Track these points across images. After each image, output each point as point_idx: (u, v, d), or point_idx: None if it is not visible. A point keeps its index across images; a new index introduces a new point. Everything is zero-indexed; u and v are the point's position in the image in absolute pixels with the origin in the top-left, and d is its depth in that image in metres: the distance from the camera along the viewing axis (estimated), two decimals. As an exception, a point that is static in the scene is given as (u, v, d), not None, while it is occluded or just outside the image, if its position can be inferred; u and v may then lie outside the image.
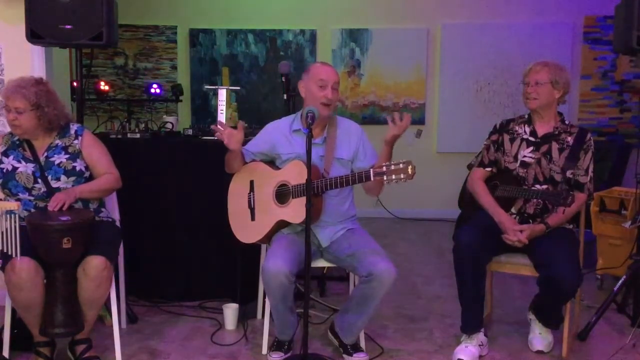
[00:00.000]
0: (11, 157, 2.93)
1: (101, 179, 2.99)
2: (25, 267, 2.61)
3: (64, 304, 2.69)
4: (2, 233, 2.56)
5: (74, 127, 3.03)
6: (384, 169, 2.58)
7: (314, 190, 2.76)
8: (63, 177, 2.91)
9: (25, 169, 2.90)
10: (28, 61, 3.70)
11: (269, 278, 2.74)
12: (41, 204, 2.87)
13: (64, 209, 2.76)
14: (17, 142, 2.96)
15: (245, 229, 3.07)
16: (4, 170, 2.91)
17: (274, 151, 3.04)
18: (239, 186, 3.11)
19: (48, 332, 2.71)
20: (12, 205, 2.57)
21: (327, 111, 2.91)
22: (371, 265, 2.76)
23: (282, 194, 2.93)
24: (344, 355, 3.00)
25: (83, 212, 2.85)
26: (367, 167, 2.74)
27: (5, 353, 2.88)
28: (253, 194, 3.04)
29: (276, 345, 3.04)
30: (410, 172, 2.53)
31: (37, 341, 2.81)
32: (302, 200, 2.74)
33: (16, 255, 2.57)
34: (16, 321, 2.89)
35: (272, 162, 3.08)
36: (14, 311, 2.84)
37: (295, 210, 2.86)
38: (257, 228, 3.01)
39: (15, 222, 2.55)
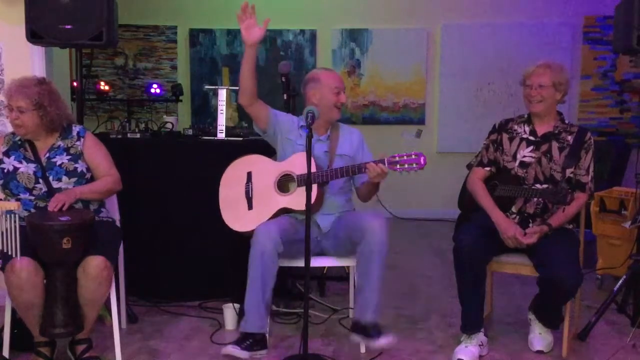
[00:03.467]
0: (12, 158, 2.93)
1: (102, 180, 2.99)
2: (25, 268, 2.61)
3: (64, 304, 2.68)
4: (2, 233, 2.56)
5: (76, 129, 3.03)
6: (397, 158, 2.75)
7: (321, 179, 2.91)
8: (64, 178, 2.91)
9: (27, 169, 2.90)
10: (28, 61, 3.70)
11: (257, 241, 2.81)
12: (41, 204, 2.87)
13: (63, 209, 2.76)
14: (19, 142, 2.96)
15: (241, 218, 3.07)
16: (5, 171, 2.91)
17: (285, 134, 3.13)
18: (234, 176, 3.13)
19: (48, 332, 2.71)
20: (13, 205, 2.57)
21: (339, 114, 3.14)
22: (361, 223, 2.88)
23: (285, 183, 3.00)
24: (370, 343, 2.89)
25: (83, 212, 2.85)
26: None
27: (5, 353, 2.88)
28: (251, 184, 3.07)
29: (240, 339, 2.89)
30: (422, 162, 2.73)
31: (37, 341, 2.81)
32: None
33: (16, 255, 2.57)
34: (16, 321, 2.89)
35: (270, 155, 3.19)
36: (14, 311, 2.84)
37: (299, 198, 2.90)
38: (256, 216, 3.02)
39: (15, 222, 2.55)
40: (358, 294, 2.99)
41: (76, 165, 2.95)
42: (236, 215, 3.09)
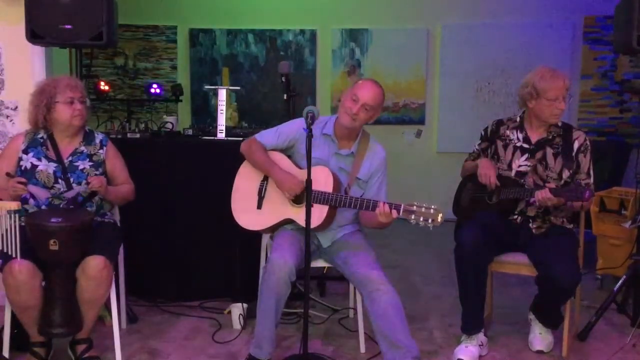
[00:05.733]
0: (31, 154, 2.93)
1: (124, 187, 3.10)
2: (24, 270, 2.61)
3: (63, 304, 2.68)
4: (2, 235, 2.56)
5: (98, 137, 3.09)
6: (415, 208, 2.62)
7: (335, 203, 2.81)
8: (84, 183, 2.93)
9: (46, 167, 2.91)
10: (28, 61, 3.69)
11: (272, 270, 2.71)
12: (56, 202, 2.89)
13: (96, 191, 2.88)
14: (40, 140, 2.97)
15: (247, 215, 3.02)
16: (22, 168, 2.91)
17: (296, 145, 3.00)
18: (252, 171, 3.05)
19: (47, 332, 2.71)
20: (13, 205, 2.57)
21: (348, 121, 2.87)
22: (362, 279, 2.76)
23: (299, 195, 2.89)
24: None
25: (82, 214, 2.81)
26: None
27: (5, 353, 2.87)
28: (267, 184, 3.00)
29: None
30: (438, 220, 2.59)
31: (33, 341, 2.81)
32: (319, 208, 2.79)
33: (16, 255, 2.57)
34: (16, 321, 2.88)
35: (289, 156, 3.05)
36: (14, 311, 2.84)
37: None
38: (262, 218, 2.99)
39: (15, 222, 2.55)
40: (383, 344, 2.76)
41: (97, 172, 2.99)
42: (243, 210, 3.04)
